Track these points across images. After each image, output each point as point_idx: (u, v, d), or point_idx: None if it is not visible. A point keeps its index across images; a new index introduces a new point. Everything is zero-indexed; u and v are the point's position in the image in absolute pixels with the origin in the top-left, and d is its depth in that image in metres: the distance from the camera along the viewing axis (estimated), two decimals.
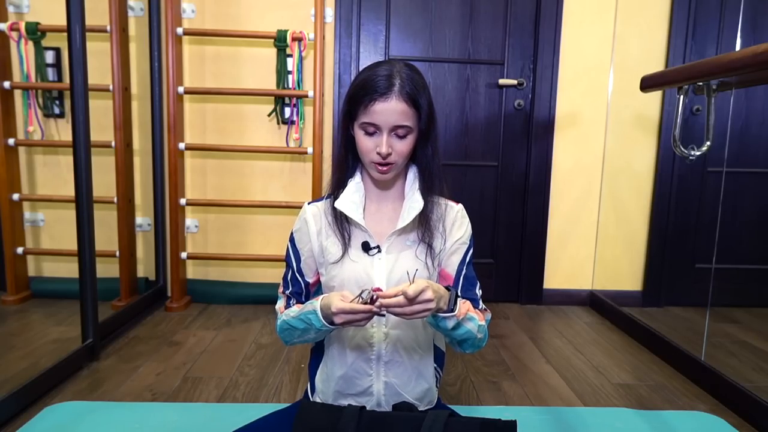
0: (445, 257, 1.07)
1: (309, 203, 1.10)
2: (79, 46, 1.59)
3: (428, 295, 0.85)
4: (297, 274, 1.09)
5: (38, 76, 2.16)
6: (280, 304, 1.10)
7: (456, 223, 1.07)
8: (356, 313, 0.87)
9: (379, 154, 0.96)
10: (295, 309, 1.03)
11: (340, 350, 1.05)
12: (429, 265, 1.04)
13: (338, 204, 1.02)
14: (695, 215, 2.36)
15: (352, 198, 1.03)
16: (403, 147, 0.98)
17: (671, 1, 2.27)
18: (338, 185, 1.06)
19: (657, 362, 1.85)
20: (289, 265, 1.10)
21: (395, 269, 1.01)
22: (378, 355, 1.03)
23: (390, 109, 0.94)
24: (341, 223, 1.04)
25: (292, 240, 1.10)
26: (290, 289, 1.09)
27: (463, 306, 0.97)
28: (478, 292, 1.08)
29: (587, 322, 2.26)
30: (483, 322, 1.02)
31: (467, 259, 1.08)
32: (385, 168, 0.98)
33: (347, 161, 1.06)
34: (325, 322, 0.95)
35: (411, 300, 0.84)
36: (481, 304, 1.07)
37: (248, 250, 2.40)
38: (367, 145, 0.98)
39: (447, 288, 0.95)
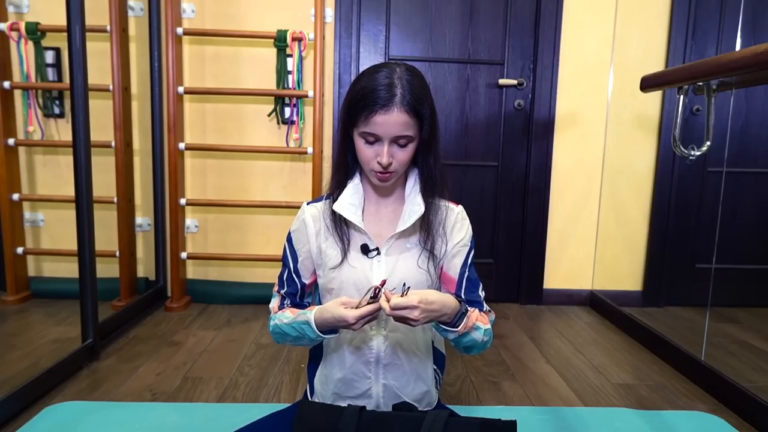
0: (447, 260, 1.06)
1: (308, 203, 1.08)
2: (79, 46, 1.59)
3: (414, 314, 0.87)
4: (293, 275, 1.08)
5: (38, 76, 2.16)
6: (274, 303, 1.09)
7: (456, 226, 1.06)
8: (371, 313, 0.90)
9: (379, 163, 0.95)
10: (289, 315, 1.02)
11: (339, 353, 1.05)
12: (430, 271, 1.03)
13: (337, 207, 1.01)
14: (695, 215, 2.36)
15: (351, 200, 1.02)
16: (404, 156, 0.97)
17: (671, 1, 2.27)
18: (337, 187, 1.05)
19: (657, 362, 1.85)
20: (285, 265, 1.09)
21: (395, 272, 1.01)
22: (377, 358, 1.03)
23: (391, 121, 0.92)
24: (340, 227, 1.03)
25: (289, 240, 1.08)
26: (285, 288, 1.08)
27: (472, 315, 0.97)
28: (481, 293, 1.07)
29: (587, 322, 2.26)
30: (488, 325, 1.02)
31: (469, 262, 1.07)
32: (385, 176, 0.98)
33: (346, 163, 1.05)
34: (320, 333, 0.95)
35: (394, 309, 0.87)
36: (485, 306, 1.07)
37: (248, 250, 2.40)
38: (367, 154, 0.97)
39: (460, 300, 0.95)
